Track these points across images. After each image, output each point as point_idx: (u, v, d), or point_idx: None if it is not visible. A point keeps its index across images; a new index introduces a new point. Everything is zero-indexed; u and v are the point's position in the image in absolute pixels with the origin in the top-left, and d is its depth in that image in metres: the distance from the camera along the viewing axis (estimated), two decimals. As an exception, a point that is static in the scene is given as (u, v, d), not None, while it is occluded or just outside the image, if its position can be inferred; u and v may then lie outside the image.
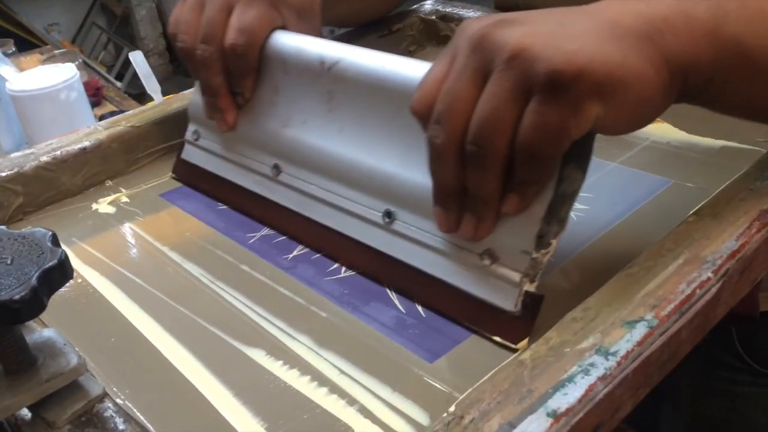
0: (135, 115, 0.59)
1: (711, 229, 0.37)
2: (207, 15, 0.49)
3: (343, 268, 0.44)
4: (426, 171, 0.37)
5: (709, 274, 0.34)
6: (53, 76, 1.06)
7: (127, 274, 0.46)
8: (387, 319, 0.39)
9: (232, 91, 0.51)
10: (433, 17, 0.74)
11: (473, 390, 0.33)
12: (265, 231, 0.49)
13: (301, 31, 0.50)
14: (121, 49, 3.56)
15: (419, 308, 0.40)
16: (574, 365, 0.30)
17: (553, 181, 0.34)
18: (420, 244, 0.40)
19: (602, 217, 0.45)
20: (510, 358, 0.35)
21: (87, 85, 1.36)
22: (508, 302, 0.36)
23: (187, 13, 0.50)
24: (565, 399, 0.28)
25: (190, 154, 0.57)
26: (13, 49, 1.60)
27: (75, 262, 0.47)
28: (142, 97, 1.96)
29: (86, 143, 0.56)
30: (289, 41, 0.48)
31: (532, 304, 0.36)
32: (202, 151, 0.56)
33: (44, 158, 0.54)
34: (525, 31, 0.32)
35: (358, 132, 0.44)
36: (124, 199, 0.55)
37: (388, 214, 0.42)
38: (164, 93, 0.67)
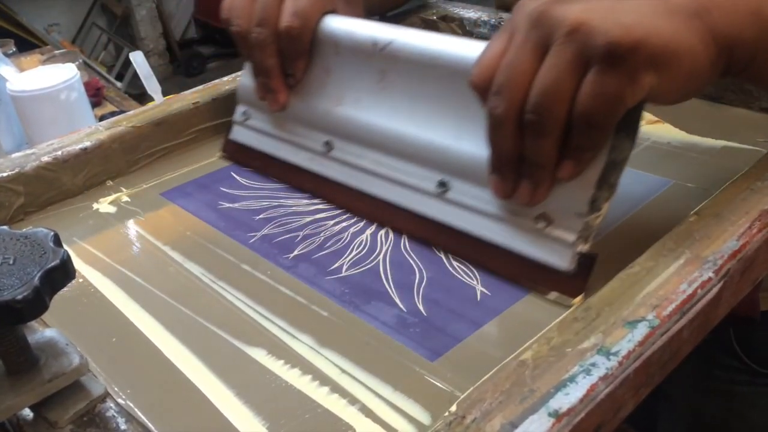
0: (136, 116, 0.59)
1: (712, 229, 0.37)
2: (262, 0, 0.51)
3: (344, 267, 0.44)
4: (479, 142, 0.40)
5: (711, 274, 0.34)
6: (53, 77, 1.05)
7: (128, 273, 0.46)
8: (388, 318, 0.39)
9: (284, 72, 0.53)
10: (434, 17, 0.74)
11: (475, 389, 0.33)
12: (266, 230, 0.49)
13: (348, 16, 0.52)
14: (122, 50, 3.57)
15: (420, 307, 0.40)
16: (575, 365, 0.30)
17: (606, 148, 0.36)
18: (474, 211, 0.43)
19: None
20: (510, 358, 0.35)
21: (87, 86, 1.36)
22: (563, 261, 0.39)
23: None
24: (567, 399, 0.28)
25: (239, 134, 0.59)
26: (14, 49, 1.60)
27: (76, 261, 0.46)
28: (142, 97, 1.96)
29: (87, 143, 0.56)
30: (341, 24, 0.51)
31: (586, 262, 0.38)
32: (251, 131, 0.58)
33: (45, 158, 0.54)
34: (583, 7, 0.34)
35: (411, 107, 0.46)
36: (125, 198, 0.55)
37: (442, 184, 0.45)
38: (164, 93, 0.68)
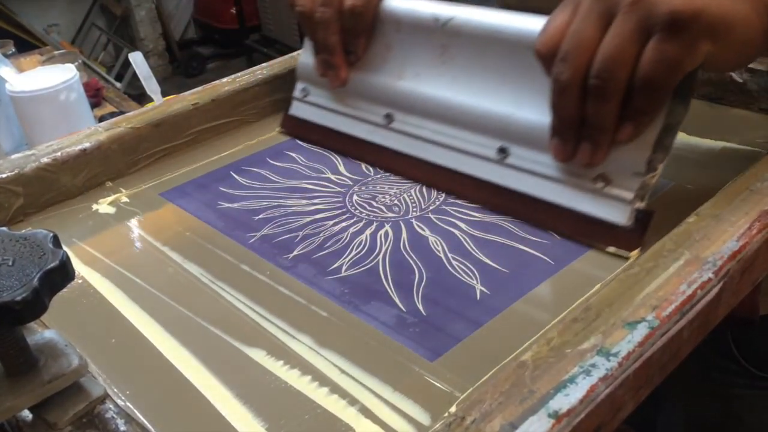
0: (135, 117, 0.59)
1: (712, 229, 0.37)
2: None
3: (344, 267, 0.44)
4: (538, 110, 0.44)
5: (710, 275, 0.34)
6: (53, 77, 1.05)
7: (128, 274, 0.46)
8: (388, 317, 0.39)
9: (345, 50, 0.56)
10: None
11: (474, 390, 0.33)
12: (266, 230, 0.49)
13: None
14: (121, 50, 3.56)
15: (420, 307, 0.40)
16: (575, 366, 0.30)
17: (663, 112, 0.39)
18: (534, 174, 0.46)
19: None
20: (509, 358, 0.35)
21: (87, 86, 1.36)
22: (622, 218, 0.42)
23: None
24: (567, 400, 0.28)
25: (298, 109, 0.62)
26: (13, 50, 1.59)
27: (75, 262, 0.46)
28: (141, 97, 1.96)
29: (86, 144, 0.56)
30: (402, 3, 0.54)
31: (643, 218, 0.41)
32: (310, 106, 0.61)
33: (45, 159, 0.54)
34: None
35: (471, 79, 0.50)
36: (124, 199, 0.55)
37: (502, 150, 0.47)
38: (164, 94, 0.68)
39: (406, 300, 0.41)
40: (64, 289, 0.30)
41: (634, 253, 0.41)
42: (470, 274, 0.42)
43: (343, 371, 0.36)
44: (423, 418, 0.33)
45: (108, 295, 0.44)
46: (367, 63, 0.56)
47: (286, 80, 0.65)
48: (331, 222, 0.49)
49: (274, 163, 0.58)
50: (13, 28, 3.15)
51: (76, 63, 1.38)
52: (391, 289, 0.42)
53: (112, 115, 1.35)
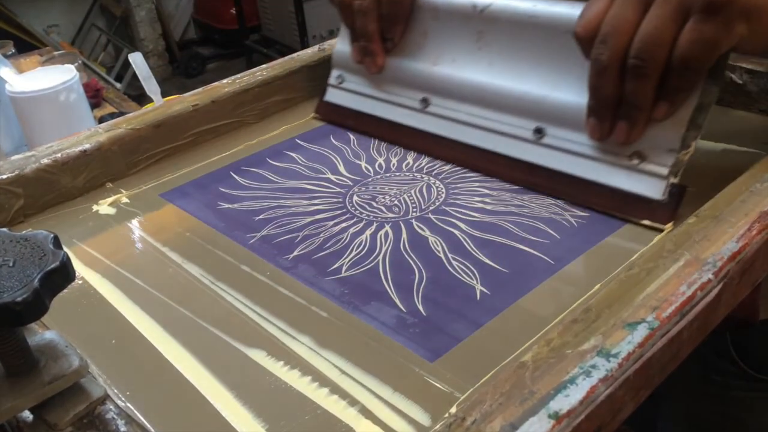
0: (135, 118, 0.59)
1: (711, 230, 0.37)
2: None
3: (344, 268, 0.44)
4: (574, 90, 0.46)
5: (710, 276, 0.34)
6: (53, 78, 1.05)
7: (128, 275, 0.46)
8: (387, 318, 0.39)
9: (383, 37, 0.58)
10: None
11: (474, 391, 0.33)
12: (266, 231, 0.49)
13: None
14: (121, 51, 3.56)
15: (420, 307, 0.40)
16: (575, 367, 0.30)
17: (697, 91, 0.41)
18: (570, 153, 0.48)
19: (605, 221, 0.46)
20: (509, 358, 0.35)
21: (86, 87, 1.36)
22: (657, 192, 0.43)
23: None
24: (567, 400, 0.28)
25: (333, 95, 0.64)
26: (13, 50, 1.59)
27: (76, 263, 0.47)
28: (141, 98, 1.96)
29: (87, 145, 0.56)
30: None
31: (677, 192, 0.43)
32: (346, 92, 0.63)
33: (45, 160, 0.54)
34: None
35: (508, 63, 0.52)
36: (125, 200, 0.55)
37: (538, 131, 0.49)
38: (164, 94, 0.68)
39: (406, 300, 0.41)
40: (65, 290, 0.30)
41: (669, 225, 0.43)
42: (470, 274, 0.42)
43: (343, 372, 0.36)
44: (423, 418, 0.33)
45: (108, 295, 0.44)
46: (404, 49, 0.58)
47: (287, 81, 0.65)
48: (331, 222, 0.49)
49: (274, 163, 0.58)
50: (13, 29, 3.15)
51: (76, 63, 1.38)
52: (391, 289, 0.42)
53: (112, 115, 1.35)
